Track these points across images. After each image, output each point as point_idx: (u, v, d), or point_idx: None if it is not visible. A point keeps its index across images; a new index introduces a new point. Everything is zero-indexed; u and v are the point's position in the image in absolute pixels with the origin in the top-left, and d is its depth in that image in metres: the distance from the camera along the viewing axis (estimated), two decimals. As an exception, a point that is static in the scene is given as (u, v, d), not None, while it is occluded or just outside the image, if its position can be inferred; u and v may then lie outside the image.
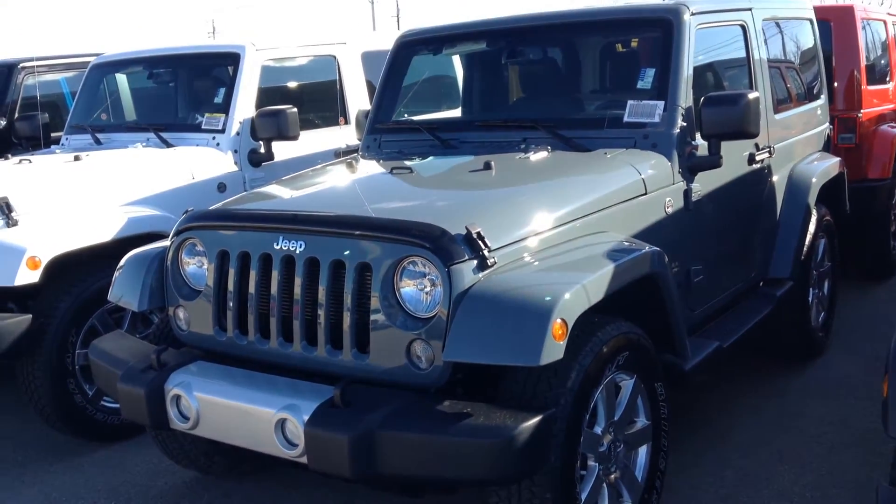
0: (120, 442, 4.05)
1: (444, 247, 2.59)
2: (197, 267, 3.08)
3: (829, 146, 5.26)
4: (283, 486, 3.54)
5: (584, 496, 2.66)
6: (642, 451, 2.96)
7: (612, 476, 2.81)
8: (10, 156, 4.99)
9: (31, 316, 3.79)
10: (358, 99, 5.53)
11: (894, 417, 1.94)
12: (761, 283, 4.33)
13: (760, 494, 3.35)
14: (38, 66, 6.41)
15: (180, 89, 5.52)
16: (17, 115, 6.12)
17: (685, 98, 3.55)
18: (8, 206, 3.90)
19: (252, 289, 2.87)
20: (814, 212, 4.53)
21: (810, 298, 4.57)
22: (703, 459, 3.63)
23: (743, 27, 4.20)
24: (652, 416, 2.97)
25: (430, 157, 3.85)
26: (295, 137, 4.73)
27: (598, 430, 2.74)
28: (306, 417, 2.49)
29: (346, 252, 2.70)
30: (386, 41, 5.23)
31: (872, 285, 6.06)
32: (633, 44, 4.07)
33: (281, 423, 2.54)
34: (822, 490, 3.36)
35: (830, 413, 4.05)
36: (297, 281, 2.77)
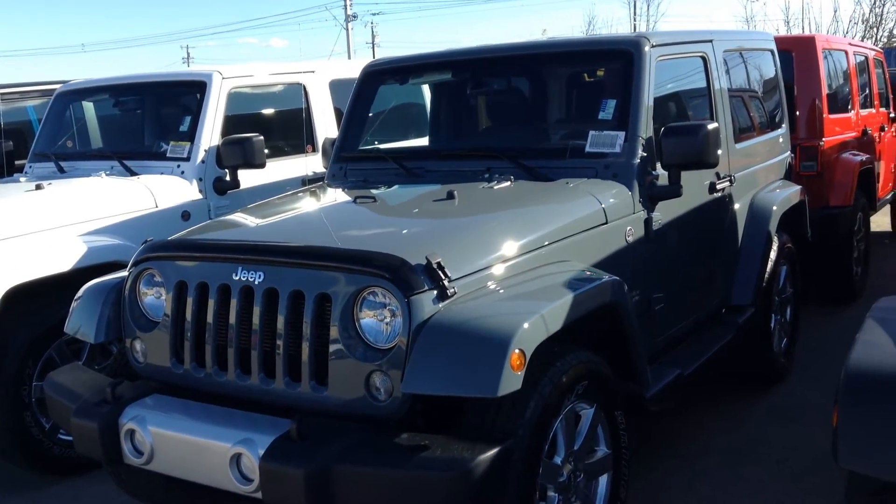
0: (77, 476, 3.98)
1: (403, 277, 2.59)
2: (155, 298, 3.05)
3: (791, 174, 5.35)
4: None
5: (543, 528, 2.65)
6: (603, 481, 2.96)
7: (573, 507, 2.81)
8: (-29, 184, 4.93)
9: (-14, 347, 3.73)
10: (326, 127, 5.54)
11: (843, 447, 1.96)
12: (723, 310, 4.37)
13: (723, 523, 3.36)
14: (3, 93, 6.35)
15: (147, 117, 5.50)
16: (-20, 143, 6.04)
17: (646, 129, 3.59)
18: (-34, 235, 3.84)
19: (210, 320, 2.85)
20: (775, 239, 4.59)
21: (772, 325, 4.62)
22: (665, 487, 3.64)
23: (704, 59, 4.27)
24: (612, 445, 2.97)
25: (395, 186, 3.86)
26: (261, 165, 4.73)
27: (558, 460, 2.74)
28: (261, 452, 2.46)
29: (306, 283, 2.69)
30: (356, 69, 5.26)
31: (836, 311, 6.13)
32: (600, 73, 4.12)
33: (236, 458, 2.51)
34: (783, 517, 3.38)
35: (793, 439, 4.07)
36: (256, 312, 2.75)
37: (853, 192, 6.17)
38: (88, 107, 5.75)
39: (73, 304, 3.27)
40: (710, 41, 4.36)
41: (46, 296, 3.93)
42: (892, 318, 2.37)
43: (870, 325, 2.31)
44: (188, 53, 51.42)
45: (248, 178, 4.88)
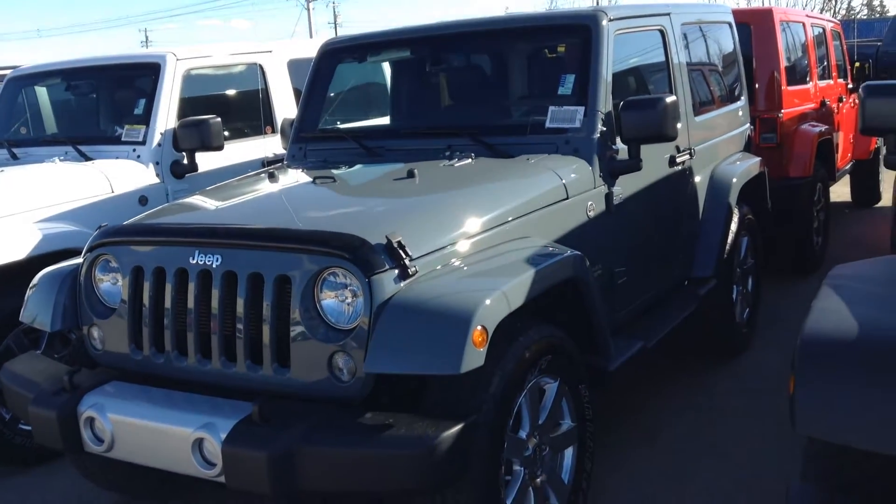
0: (40, 466, 3.92)
1: (364, 257, 2.57)
2: (111, 284, 3.00)
3: (751, 146, 5.40)
4: (211, 505, 3.46)
5: (509, 501, 2.66)
6: (568, 454, 2.98)
7: (538, 480, 2.82)
8: (-79, 173, 4.79)
9: (-59, 340, 3.65)
10: (285, 107, 5.48)
11: (800, 414, 1.98)
12: (686, 283, 4.41)
13: (686, 490, 3.40)
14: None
15: (101, 101, 5.39)
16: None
17: (605, 103, 3.59)
18: (-84, 225, 3.74)
19: (168, 305, 2.80)
20: (735, 211, 4.63)
21: (734, 295, 4.68)
22: (630, 458, 3.68)
23: (662, 32, 4.27)
24: (577, 418, 2.99)
25: (355, 166, 3.83)
26: (219, 148, 4.66)
27: (523, 434, 2.75)
28: (223, 436, 2.44)
29: (264, 265, 2.66)
30: (314, 49, 5.19)
31: (796, 281, 6.22)
32: (560, 49, 4.10)
33: (198, 443, 2.49)
34: (746, 484, 3.43)
35: (755, 408, 4.13)
36: (215, 295, 2.72)
37: (812, 163, 6.24)
38: (41, 92, 5.63)
39: (29, 293, 3.20)
40: (668, 14, 4.37)
41: (1, 285, 3.84)
42: (847, 285, 2.39)
43: (825, 292, 2.34)
44: (146, 37, 50.56)
45: (207, 161, 4.81)
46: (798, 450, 3.59)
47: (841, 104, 7.58)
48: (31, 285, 3.22)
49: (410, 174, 3.31)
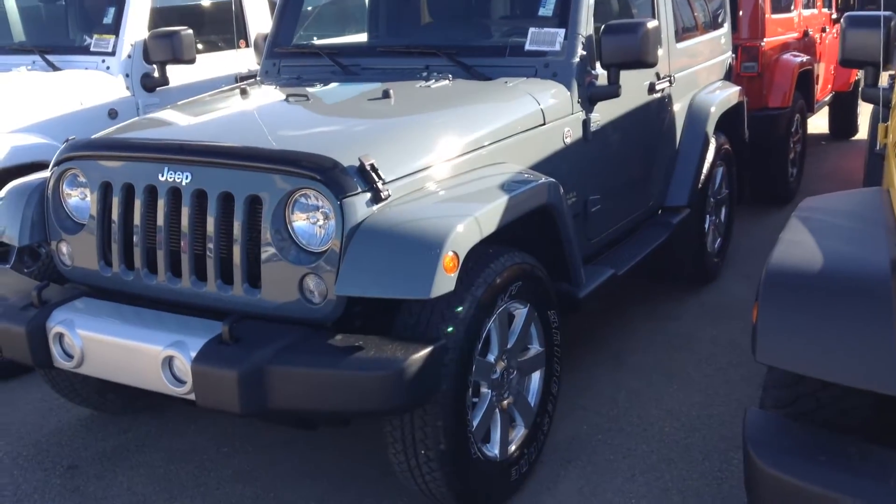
0: (11, 380, 3.93)
1: (336, 179, 2.54)
2: (79, 199, 2.95)
3: (732, 75, 5.35)
4: (181, 421, 3.51)
5: (475, 422, 2.71)
6: (535, 377, 3.03)
7: (505, 402, 2.87)
8: None
9: None
10: (260, 21, 5.33)
11: (761, 343, 2.02)
12: (659, 211, 4.43)
13: (650, 414, 3.49)
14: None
15: (70, 9, 5.21)
16: None
17: (586, 26, 3.53)
18: None
19: (137, 222, 2.77)
20: (712, 140, 4.62)
21: (707, 225, 4.71)
22: (596, 382, 3.76)
23: (647, -47, 4.17)
24: (545, 343, 3.03)
25: (330, 84, 3.75)
26: (191, 61, 4.55)
27: (492, 358, 2.78)
28: (194, 354, 2.44)
29: (235, 184, 2.63)
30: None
31: (770, 212, 6.26)
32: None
33: (168, 361, 2.49)
34: (708, 409, 3.52)
35: (722, 336, 4.22)
36: (185, 213, 2.69)
37: (791, 94, 6.20)
38: (8, -3, 5.43)
39: (-5, 206, 3.15)
40: (655, -64, 4.25)
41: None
42: (816, 218, 2.42)
43: (793, 223, 2.36)
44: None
45: (178, 75, 4.70)
46: (759, 379, 3.68)
47: (824, 34, 7.50)
48: (-3, 198, 3.17)
49: (386, 95, 3.25)
